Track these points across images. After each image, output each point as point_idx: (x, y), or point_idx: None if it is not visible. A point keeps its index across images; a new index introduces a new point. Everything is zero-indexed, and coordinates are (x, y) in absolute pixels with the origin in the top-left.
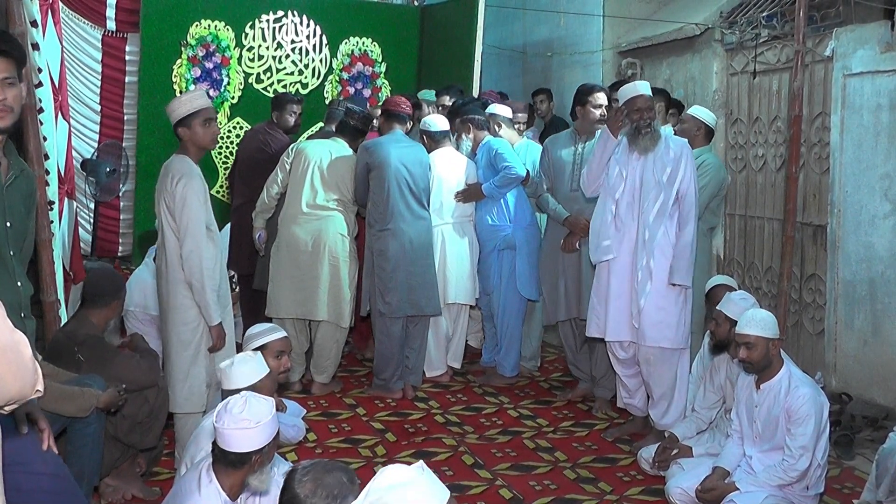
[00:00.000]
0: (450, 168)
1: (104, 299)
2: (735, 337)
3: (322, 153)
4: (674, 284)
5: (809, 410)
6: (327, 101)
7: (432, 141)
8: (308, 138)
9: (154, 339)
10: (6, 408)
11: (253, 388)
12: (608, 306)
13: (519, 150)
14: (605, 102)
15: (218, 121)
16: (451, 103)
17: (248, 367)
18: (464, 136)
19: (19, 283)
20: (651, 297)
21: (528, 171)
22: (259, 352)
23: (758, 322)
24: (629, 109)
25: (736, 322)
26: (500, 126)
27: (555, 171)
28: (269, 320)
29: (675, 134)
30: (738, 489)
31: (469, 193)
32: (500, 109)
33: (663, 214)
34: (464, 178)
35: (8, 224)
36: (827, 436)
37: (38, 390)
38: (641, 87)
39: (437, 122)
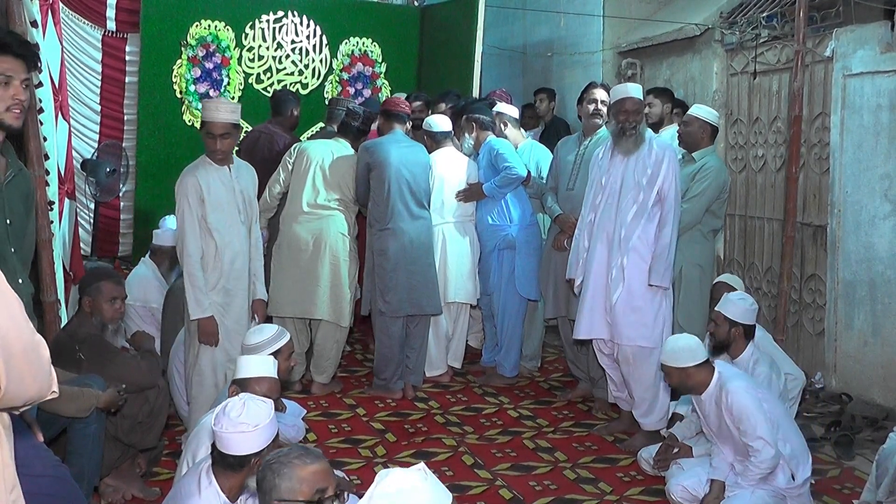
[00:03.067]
0: (451, 168)
1: (80, 295)
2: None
3: (324, 153)
4: (651, 286)
5: (745, 402)
6: (327, 101)
7: (433, 141)
8: (309, 138)
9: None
10: (21, 408)
11: (259, 382)
12: (583, 305)
13: (523, 150)
14: (602, 98)
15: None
16: (449, 108)
17: (259, 362)
18: (466, 134)
19: (20, 281)
20: (624, 297)
21: (528, 172)
22: (275, 357)
23: (672, 353)
24: (616, 110)
25: (736, 322)
26: (505, 125)
27: (559, 171)
28: (270, 319)
29: (679, 137)
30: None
31: (470, 193)
32: (507, 109)
33: (641, 215)
34: (465, 178)
35: (8, 221)
36: (784, 415)
37: (53, 391)
38: (632, 90)
39: (438, 122)
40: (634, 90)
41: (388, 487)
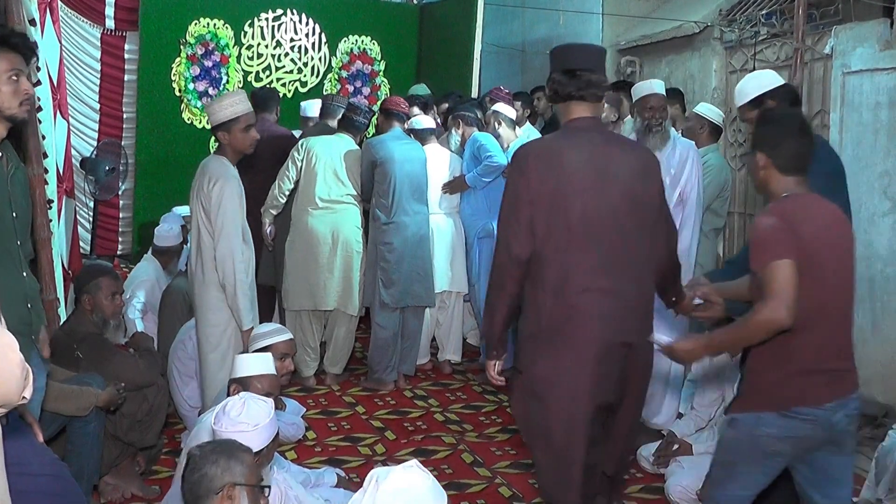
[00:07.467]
0: (435, 163)
1: (78, 294)
2: None
3: (332, 148)
4: None
5: None
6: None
7: (418, 138)
8: (302, 134)
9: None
10: None
11: (260, 380)
12: None
13: (514, 148)
14: None
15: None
16: (447, 107)
17: (258, 360)
18: (454, 131)
19: (24, 274)
20: None
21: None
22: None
23: None
24: (641, 107)
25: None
26: (499, 124)
27: None
28: (271, 317)
29: (680, 132)
30: None
31: (454, 185)
32: (504, 109)
33: None
34: (448, 172)
35: (14, 214)
36: None
37: (24, 397)
38: (657, 86)
39: (422, 120)
40: (658, 86)
41: (389, 486)
